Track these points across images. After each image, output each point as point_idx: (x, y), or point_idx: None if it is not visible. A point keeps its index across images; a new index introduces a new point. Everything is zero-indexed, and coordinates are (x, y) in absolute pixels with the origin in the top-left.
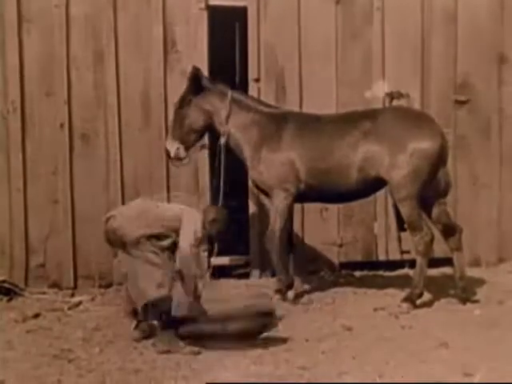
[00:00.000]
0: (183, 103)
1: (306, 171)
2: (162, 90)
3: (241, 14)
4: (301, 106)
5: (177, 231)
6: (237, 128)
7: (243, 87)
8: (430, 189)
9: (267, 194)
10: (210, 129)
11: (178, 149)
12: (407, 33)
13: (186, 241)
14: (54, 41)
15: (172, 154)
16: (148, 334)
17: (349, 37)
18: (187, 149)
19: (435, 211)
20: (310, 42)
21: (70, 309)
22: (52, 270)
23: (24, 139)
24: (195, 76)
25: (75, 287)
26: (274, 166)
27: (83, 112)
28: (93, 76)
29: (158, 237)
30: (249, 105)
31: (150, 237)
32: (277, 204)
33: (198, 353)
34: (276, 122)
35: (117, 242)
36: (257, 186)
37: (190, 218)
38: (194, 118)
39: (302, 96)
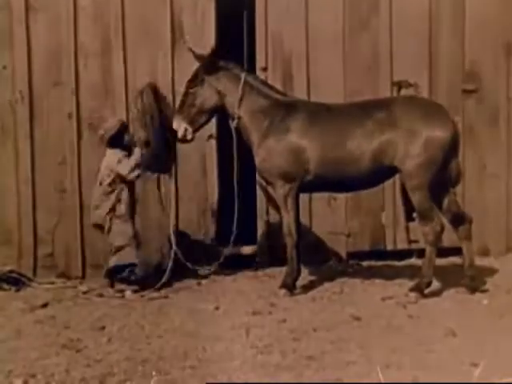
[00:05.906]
0: (195, 82)
1: (317, 161)
2: (169, 78)
3: (249, 2)
4: (308, 95)
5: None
6: (246, 112)
7: None
8: (441, 178)
9: (270, 183)
10: (220, 111)
11: (185, 130)
12: (415, 22)
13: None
14: (61, 30)
15: (180, 135)
16: None
17: (356, 25)
18: (195, 130)
19: (445, 201)
20: (318, 30)
21: (85, 293)
22: (60, 259)
23: (32, 129)
24: (212, 55)
25: (83, 276)
26: (280, 155)
27: (91, 101)
28: (100, 65)
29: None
30: (260, 90)
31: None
32: (282, 196)
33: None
34: (286, 110)
35: None
36: (260, 174)
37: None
38: (206, 98)
39: (309, 85)
